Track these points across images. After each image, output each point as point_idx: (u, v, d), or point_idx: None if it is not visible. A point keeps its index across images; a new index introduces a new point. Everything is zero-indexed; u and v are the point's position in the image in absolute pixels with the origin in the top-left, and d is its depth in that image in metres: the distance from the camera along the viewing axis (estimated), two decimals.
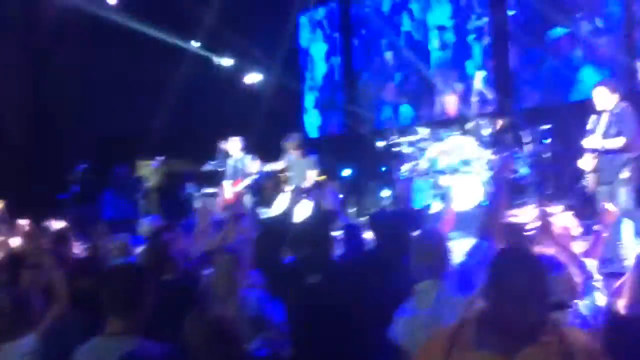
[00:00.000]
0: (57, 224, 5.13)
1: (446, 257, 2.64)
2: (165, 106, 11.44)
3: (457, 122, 9.00)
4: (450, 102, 9.54)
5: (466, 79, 10.23)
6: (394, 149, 9.27)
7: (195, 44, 12.28)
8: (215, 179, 10.80)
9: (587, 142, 5.44)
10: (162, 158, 9.92)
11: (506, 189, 2.63)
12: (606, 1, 8.55)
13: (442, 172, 8.46)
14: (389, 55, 11.82)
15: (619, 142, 5.23)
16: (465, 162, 8.37)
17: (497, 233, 2.57)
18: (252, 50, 12.08)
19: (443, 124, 9.37)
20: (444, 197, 8.19)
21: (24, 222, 4.49)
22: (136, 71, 11.31)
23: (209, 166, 10.77)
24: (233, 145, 9.39)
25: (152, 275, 2.58)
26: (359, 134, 11.55)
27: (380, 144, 10.78)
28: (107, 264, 3.42)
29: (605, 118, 5.37)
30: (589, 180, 5.47)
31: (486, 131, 8.41)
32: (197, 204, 11.41)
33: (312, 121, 13.23)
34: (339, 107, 12.62)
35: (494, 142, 8.39)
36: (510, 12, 9.69)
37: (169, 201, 10.04)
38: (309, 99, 13.28)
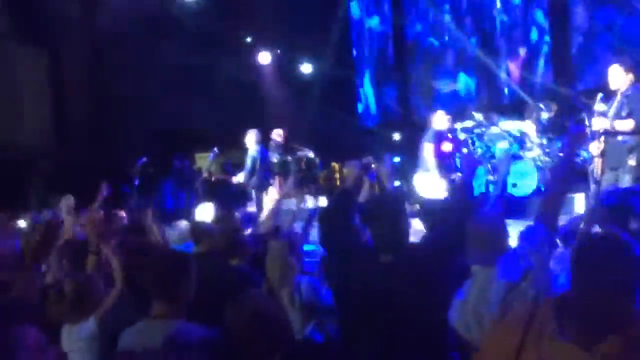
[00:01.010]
0: (121, 214, 5.32)
1: (501, 241, 2.58)
2: (221, 99, 11.63)
3: (515, 106, 8.76)
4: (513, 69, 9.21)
5: (530, 44, 9.89)
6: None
7: (248, 39, 12.41)
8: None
9: (596, 124, 5.04)
10: (216, 150, 10.09)
11: (570, 172, 2.47)
12: None
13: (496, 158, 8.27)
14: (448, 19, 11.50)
15: (629, 123, 4.88)
16: (522, 147, 8.16)
17: (554, 216, 2.47)
18: (303, 40, 12.10)
19: (501, 107, 9.13)
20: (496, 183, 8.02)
21: (90, 212, 4.67)
22: (192, 65, 11.53)
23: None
24: (249, 138, 9.20)
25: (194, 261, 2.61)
26: (412, 121, 11.43)
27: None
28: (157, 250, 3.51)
29: (618, 98, 5.03)
30: (596, 166, 5.07)
31: (544, 115, 8.16)
32: (253, 193, 11.65)
33: (368, 109, 13.15)
34: (392, 91, 12.46)
35: (552, 126, 8.13)
36: None
37: (224, 191, 10.20)
38: (366, 80, 13.07)
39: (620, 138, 4.96)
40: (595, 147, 5.08)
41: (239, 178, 9.38)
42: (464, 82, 11.22)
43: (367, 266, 2.69)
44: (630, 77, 5.03)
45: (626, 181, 4.91)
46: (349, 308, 2.85)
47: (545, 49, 9.95)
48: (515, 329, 1.79)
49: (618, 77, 5.06)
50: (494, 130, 8.45)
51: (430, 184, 7.91)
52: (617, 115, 5.00)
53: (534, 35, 10.12)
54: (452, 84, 11.10)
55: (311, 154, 10.66)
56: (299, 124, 11.73)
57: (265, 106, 12.18)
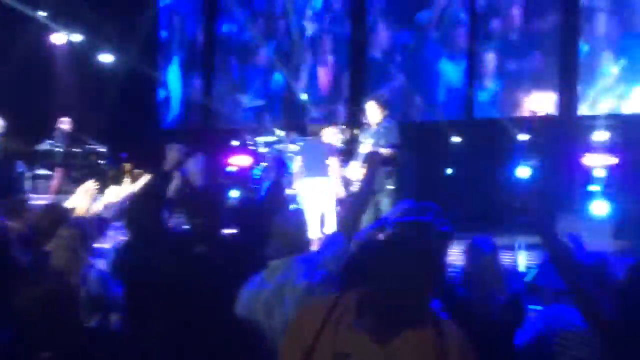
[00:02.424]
0: None
1: (302, 240, 2.69)
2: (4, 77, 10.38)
3: (313, 127, 9.25)
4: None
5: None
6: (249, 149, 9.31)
7: (42, 14, 11.31)
8: (49, 159, 10.06)
9: (363, 149, 5.63)
10: None
11: (370, 188, 2.69)
12: None
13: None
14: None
15: (388, 151, 5.50)
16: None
17: (354, 228, 2.63)
18: (106, 28, 11.40)
19: (300, 127, 9.58)
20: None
21: None
22: None
23: (45, 145, 10.02)
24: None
25: None
26: (215, 129, 11.42)
27: (235, 143, 10.81)
28: None
29: (375, 128, 5.72)
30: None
31: (339, 140, 8.74)
32: (28, 184, 10.56)
33: (169, 111, 12.79)
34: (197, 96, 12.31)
35: (345, 150, 8.74)
36: None
37: None
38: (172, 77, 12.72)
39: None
40: (356, 171, 5.64)
41: None
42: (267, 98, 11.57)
43: (177, 255, 2.64)
44: (385, 113, 5.72)
45: (385, 203, 5.52)
46: (142, 297, 2.75)
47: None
48: (316, 315, 1.82)
49: (374, 113, 5.65)
50: (292, 147, 8.83)
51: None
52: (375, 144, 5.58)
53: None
54: (256, 100, 11.38)
55: (102, 149, 10.06)
56: (93, 116, 10.97)
57: (54, 92, 11.18)
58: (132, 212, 2.89)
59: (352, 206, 2.53)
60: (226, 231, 3.17)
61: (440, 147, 8.94)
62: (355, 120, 9.33)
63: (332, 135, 8.75)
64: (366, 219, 5.37)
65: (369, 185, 2.63)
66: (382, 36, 10.43)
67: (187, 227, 2.93)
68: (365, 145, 5.56)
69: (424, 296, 1.77)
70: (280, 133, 9.09)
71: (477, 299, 2.39)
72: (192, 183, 3.79)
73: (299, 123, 10.62)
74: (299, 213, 2.78)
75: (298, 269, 2.59)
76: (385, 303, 1.74)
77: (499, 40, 9.37)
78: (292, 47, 11.20)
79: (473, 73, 9.42)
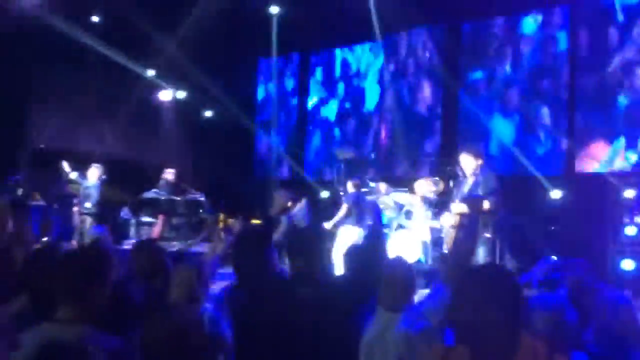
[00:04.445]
0: None
1: (409, 292, 2.67)
2: (116, 130, 11.22)
3: (406, 180, 9.29)
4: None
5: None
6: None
7: (151, 72, 12.22)
8: (153, 207, 10.63)
9: (456, 208, 5.39)
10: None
11: (475, 234, 2.61)
12: None
13: (385, 226, 8.66)
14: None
15: (486, 204, 5.20)
16: (408, 218, 8.61)
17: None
18: (209, 86, 12.12)
19: (393, 180, 9.64)
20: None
21: None
22: (89, 92, 11.09)
23: (150, 194, 10.61)
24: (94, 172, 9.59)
25: (110, 262, 2.46)
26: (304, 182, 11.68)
27: (324, 194, 11.02)
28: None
29: (470, 180, 5.53)
30: (448, 237, 5.40)
31: (431, 191, 8.70)
32: (132, 230, 11.19)
33: (265, 164, 13.28)
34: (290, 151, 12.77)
35: (438, 202, 8.67)
36: None
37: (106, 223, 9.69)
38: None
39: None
40: (449, 220, 5.46)
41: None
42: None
43: (282, 298, 2.69)
44: (480, 162, 5.59)
45: (481, 252, 5.28)
46: (253, 341, 2.80)
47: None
48: None
49: (469, 163, 5.58)
50: (385, 199, 8.88)
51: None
52: (468, 198, 5.44)
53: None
54: (349, 153, 11.58)
55: (202, 198, 10.53)
56: (194, 167, 11.56)
57: (161, 144, 11.90)
58: (240, 255, 2.96)
59: (458, 255, 2.48)
60: (330, 275, 3.20)
61: (537, 202, 8.66)
62: (446, 173, 9.31)
63: (426, 187, 8.77)
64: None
65: (474, 231, 2.59)
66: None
67: (292, 270, 2.98)
68: (459, 205, 5.44)
69: (513, 325, 1.76)
70: (372, 184, 9.18)
71: (611, 356, 2.27)
72: (297, 227, 3.88)
73: (390, 176, 10.71)
74: (406, 262, 2.76)
75: (400, 318, 2.56)
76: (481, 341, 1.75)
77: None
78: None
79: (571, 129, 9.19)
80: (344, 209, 8.61)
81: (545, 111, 9.52)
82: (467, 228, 2.55)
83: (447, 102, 10.68)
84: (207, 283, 3.28)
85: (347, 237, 8.15)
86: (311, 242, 2.71)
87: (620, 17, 8.79)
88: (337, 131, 12.35)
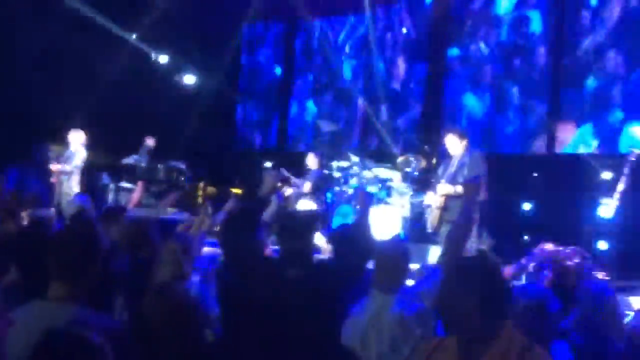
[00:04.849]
0: None
1: (402, 274, 2.72)
2: (95, 94, 10.99)
3: (387, 154, 9.32)
4: None
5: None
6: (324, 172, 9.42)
7: (133, 36, 11.96)
8: (132, 173, 10.54)
9: (441, 189, 5.53)
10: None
11: (471, 220, 2.63)
12: None
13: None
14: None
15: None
16: (389, 194, 8.67)
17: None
18: (192, 51, 11.93)
19: (374, 153, 9.66)
20: None
21: None
22: (70, 53, 10.83)
23: (129, 160, 10.51)
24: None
25: (101, 242, 2.47)
26: (289, 152, 11.64)
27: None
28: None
29: (454, 163, 5.57)
30: (433, 217, 5.55)
31: (413, 168, 8.76)
32: (111, 196, 11.10)
33: (247, 133, 13.19)
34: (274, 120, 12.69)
35: (419, 179, 8.74)
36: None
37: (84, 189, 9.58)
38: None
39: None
40: (434, 200, 5.52)
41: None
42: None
43: (270, 280, 2.71)
44: (465, 143, 5.58)
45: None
46: (238, 318, 2.83)
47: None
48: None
49: (454, 144, 5.56)
50: (366, 173, 8.91)
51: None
52: (454, 178, 5.48)
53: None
54: (332, 125, 11.54)
55: (182, 166, 10.45)
56: (176, 134, 11.43)
57: (141, 110, 11.71)
58: (228, 234, 2.97)
59: (454, 238, 2.52)
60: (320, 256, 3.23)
61: (519, 180, 8.76)
62: (427, 150, 9.36)
63: (407, 163, 8.82)
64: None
65: (470, 215, 2.62)
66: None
67: (281, 251, 2.99)
68: (444, 186, 5.46)
69: (492, 312, 1.84)
70: (355, 159, 9.18)
71: (593, 345, 2.35)
72: (287, 208, 3.89)
73: (373, 149, 10.75)
74: (402, 242, 2.80)
75: (394, 300, 2.62)
76: (461, 327, 1.84)
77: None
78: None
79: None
80: (307, 186, 8.53)
81: (515, 90, 9.61)
82: (465, 213, 2.54)
83: (422, 79, 10.70)
84: (193, 259, 3.31)
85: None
86: (301, 224, 2.73)
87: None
88: (311, 104, 12.29)
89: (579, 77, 8.94)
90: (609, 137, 8.64)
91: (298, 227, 2.70)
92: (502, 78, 9.79)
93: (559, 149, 9.08)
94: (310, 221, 2.77)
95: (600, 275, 3.01)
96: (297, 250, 2.69)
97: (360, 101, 11.40)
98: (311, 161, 8.85)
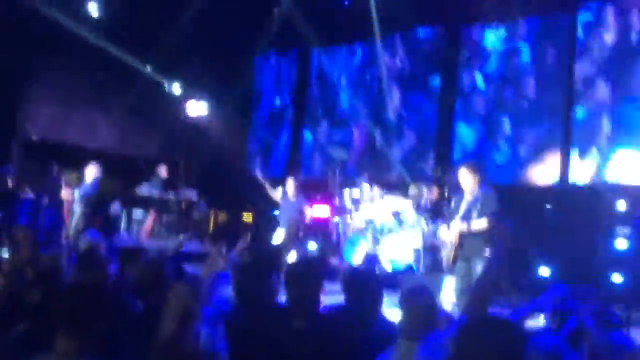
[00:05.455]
0: None
1: (431, 320, 2.60)
2: (109, 123, 11.13)
3: (399, 184, 9.30)
4: None
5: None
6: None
7: (148, 67, 12.12)
8: (144, 203, 10.58)
9: (454, 227, 5.33)
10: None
11: (500, 264, 2.47)
12: None
13: (377, 231, 8.67)
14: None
15: (482, 223, 5.18)
16: (400, 223, 8.62)
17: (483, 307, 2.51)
18: (204, 80, 12.05)
19: (385, 183, 9.63)
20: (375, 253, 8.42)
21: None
22: (83, 84, 11.00)
23: (142, 190, 10.55)
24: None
25: (111, 296, 2.47)
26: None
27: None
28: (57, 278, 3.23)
29: (468, 199, 5.40)
30: (448, 254, 5.39)
31: (424, 198, 8.71)
32: (123, 225, 11.14)
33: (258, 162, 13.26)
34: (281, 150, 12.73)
35: (431, 208, 8.68)
36: None
37: (95, 219, 9.62)
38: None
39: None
40: (448, 237, 5.38)
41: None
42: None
43: (278, 329, 2.68)
44: (478, 177, 5.49)
45: (479, 268, 5.19)
46: None
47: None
48: None
49: (467, 179, 5.48)
50: (376, 203, 8.87)
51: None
52: (467, 214, 5.33)
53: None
54: (342, 152, 11.56)
55: (194, 198, 10.49)
56: (186, 161, 11.51)
57: (154, 139, 11.83)
58: (246, 280, 2.94)
59: (481, 286, 2.38)
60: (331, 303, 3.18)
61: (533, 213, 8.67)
62: (439, 180, 9.32)
63: (419, 193, 8.77)
64: (459, 287, 5.28)
65: (500, 262, 2.47)
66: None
67: (288, 300, 2.95)
68: (457, 224, 5.34)
69: None
70: (366, 187, 9.16)
71: None
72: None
73: (385, 178, 10.71)
74: (428, 290, 2.71)
75: (422, 348, 2.50)
76: None
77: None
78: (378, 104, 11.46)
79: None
80: (309, 213, 8.52)
81: (506, 120, 9.61)
82: (492, 258, 2.44)
83: (414, 108, 10.75)
84: (203, 301, 3.26)
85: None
86: (306, 274, 2.70)
87: (581, 34, 9.02)
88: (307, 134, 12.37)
89: (568, 107, 8.96)
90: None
91: (301, 278, 2.68)
92: (492, 108, 9.85)
93: (547, 179, 9.04)
94: (312, 271, 2.74)
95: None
96: (302, 299, 2.66)
97: (357, 130, 11.39)
98: (290, 187, 8.57)
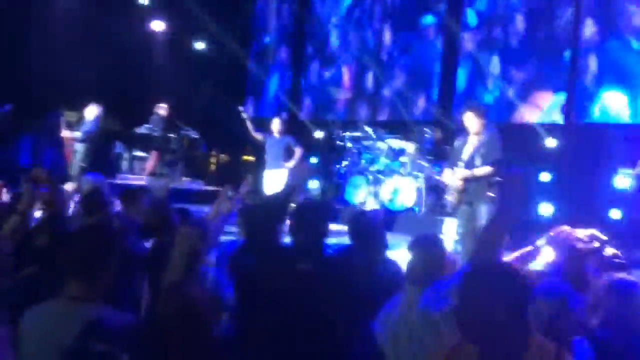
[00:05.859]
0: None
1: (438, 269, 2.59)
2: (105, 60, 10.91)
3: (401, 125, 9.21)
4: None
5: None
6: (337, 143, 9.36)
7: (143, 2, 11.81)
8: (146, 143, 10.53)
9: (458, 174, 5.25)
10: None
11: (508, 218, 2.36)
12: None
13: (379, 172, 8.67)
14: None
15: (486, 169, 5.13)
16: (402, 165, 8.61)
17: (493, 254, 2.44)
18: (203, 16, 11.74)
19: (387, 125, 9.56)
20: (377, 195, 8.45)
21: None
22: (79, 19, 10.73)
23: (143, 129, 10.48)
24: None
25: (118, 239, 2.47)
26: (298, 121, 11.56)
27: (318, 134, 10.92)
28: (62, 222, 3.24)
29: (474, 142, 5.28)
30: (453, 198, 5.33)
31: (427, 139, 8.67)
32: (125, 165, 11.14)
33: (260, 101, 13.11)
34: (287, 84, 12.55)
35: (433, 151, 8.66)
36: None
37: (98, 158, 9.59)
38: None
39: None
40: (452, 182, 5.30)
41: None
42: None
43: (283, 271, 2.70)
44: (484, 121, 5.32)
45: (483, 212, 5.18)
46: (253, 309, 2.83)
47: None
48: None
49: (473, 122, 5.30)
50: (380, 144, 8.84)
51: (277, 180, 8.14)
52: (472, 160, 5.23)
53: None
54: (344, 92, 11.41)
55: (195, 135, 10.42)
56: (188, 102, 11.38)
57: (152, 77, 11.64)
58: (254, 224, 2.95)
59: (489, 233, 2.31)
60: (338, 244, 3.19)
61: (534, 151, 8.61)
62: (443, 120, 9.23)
63: (422, 135, 8.72)
64: (462, 230, 5.31)
65: (508, 210, 2.37)
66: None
67: (293, 243, 2.97)
68: (460, 171, 5.26)
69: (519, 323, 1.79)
70: (368, 129, 9.10)
71: (620, 343, 2.30)
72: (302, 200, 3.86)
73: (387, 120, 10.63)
74: (439, 239, 2.69)
75: (426, 295, 2.51)
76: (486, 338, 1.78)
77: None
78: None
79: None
80: (298, 152, 8.36)
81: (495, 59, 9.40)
82: (502, 204, 2.33)
83: (406, 48, 10.50)
84: (210, 243, 3.29)
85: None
86: (312, 217, 2.71)
87: None
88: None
89: (558, 47, 8.69)
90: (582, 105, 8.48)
91: (307, 221, 2.69)
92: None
93: (537, 118, 8.90)
94: (319, 214, 2.75)
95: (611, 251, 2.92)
96: (307, 243, 2.67)
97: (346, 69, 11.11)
98: (275, 125, 8.34)
